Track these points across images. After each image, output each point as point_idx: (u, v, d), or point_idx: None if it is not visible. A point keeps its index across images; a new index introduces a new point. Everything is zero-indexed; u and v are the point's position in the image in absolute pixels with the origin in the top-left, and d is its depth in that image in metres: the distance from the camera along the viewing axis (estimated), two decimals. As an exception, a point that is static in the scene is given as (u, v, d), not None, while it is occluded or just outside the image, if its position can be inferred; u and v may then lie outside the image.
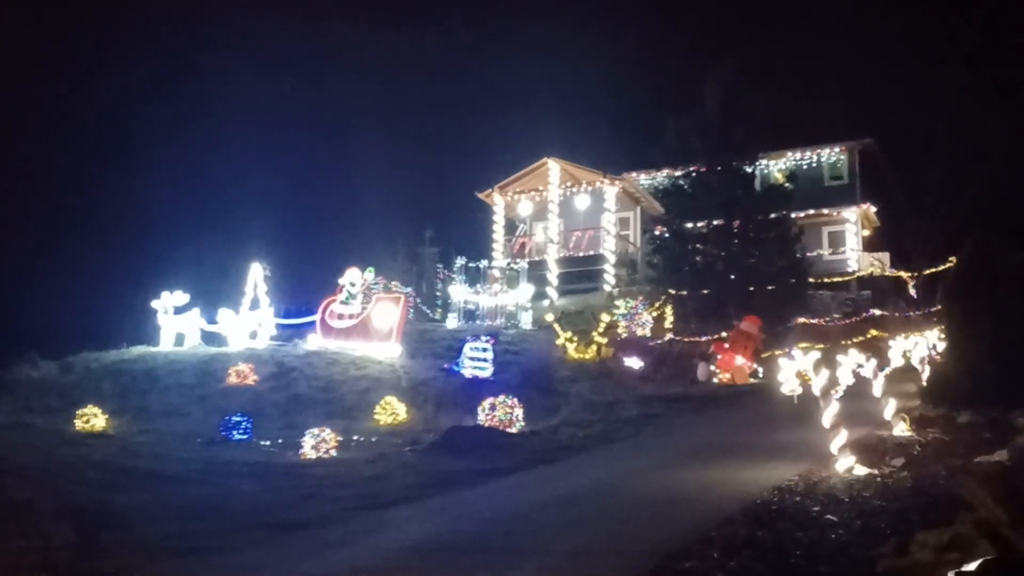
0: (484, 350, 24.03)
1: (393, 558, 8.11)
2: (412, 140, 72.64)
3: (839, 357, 15.99)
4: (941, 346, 20.78)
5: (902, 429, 13.98)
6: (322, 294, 29.00)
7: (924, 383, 18.47)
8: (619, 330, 29.24)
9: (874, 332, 30.17)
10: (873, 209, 39.64)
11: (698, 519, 8.77)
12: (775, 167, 39.07)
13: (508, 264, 35.12)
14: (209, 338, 28.56)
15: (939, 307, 24.23)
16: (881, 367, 16.62)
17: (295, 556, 8.48)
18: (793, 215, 32.55)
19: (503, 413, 18.63)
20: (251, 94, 66.76)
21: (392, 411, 20.56)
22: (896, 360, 23.94)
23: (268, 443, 18.66)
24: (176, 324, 28.19)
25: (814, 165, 39.40)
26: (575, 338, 26.92)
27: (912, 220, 35.37)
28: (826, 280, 35.52)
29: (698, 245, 31.60)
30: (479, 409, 19.07)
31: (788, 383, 18.51)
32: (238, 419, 19.23)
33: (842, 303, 34.08)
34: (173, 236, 51.06)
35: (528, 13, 74.94)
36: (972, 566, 5.74)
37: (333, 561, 8.15)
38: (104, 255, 45.63)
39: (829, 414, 11.16)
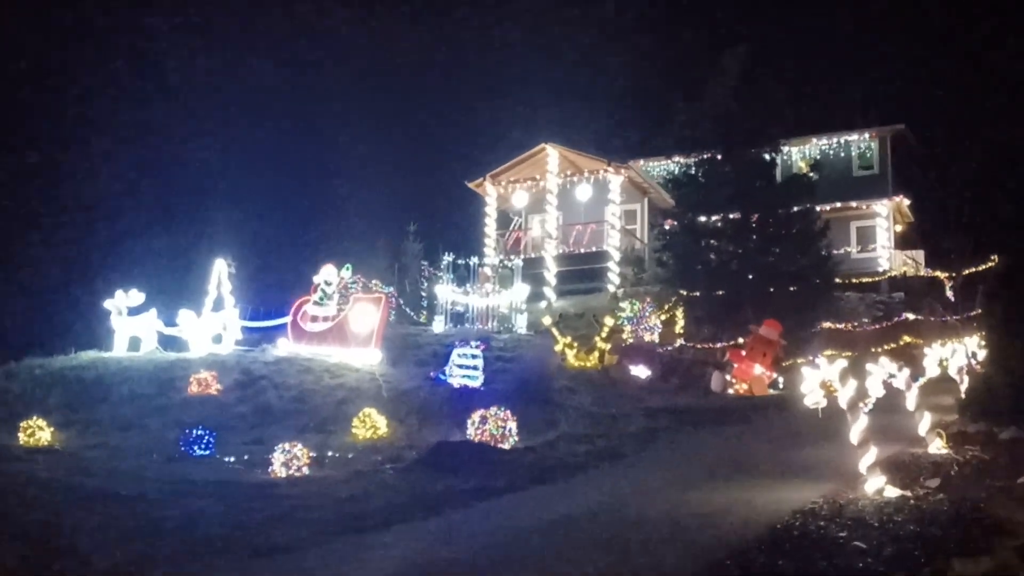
0: (474, 357, 24.02)
1: (373, 588, 8.13)
2: (395, 124, 72.48)
3: (868, 366, 15.99)
4: (982, 354, 20.86)
5: (938, 446, 14.03)
6: (294, 294, 28.95)
7: (963, 395, 18.54)
8: (624, 335, 29.28)
9: (907, 338, 30.27)
10: (906, 202, 39.74)
11: (712, 545, 8.80)
12: (798, 155, 39.17)
13: (501, 261, 35.17)
14: (168, 342, 28.48)
15: (979, 311, 24.34)
16: (915, 377, 16.66)
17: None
18: (818, 208, 32.62)
19: (495, 427, 18.62)
20: (217, 71, 66.63)
21: (371, 424, 20.52)
22: (932, 370, 24.00)
23: (233, 459, 18.61)
24: (131, 327, 28.11)
25: (841, 153, 39.51)
26: (575, 344, 26.94)
27: (950, 214, 35.49)
28: (854, 280, 35.63)
29: (712, 241, 31.67)
30: (468, 422, 19.04)
31: (812, 395, 18.46)
32: (200, 433, 19.16)
33: (872, 306, 34.18)
34: (128, 228, 50.73)
35: (527, -13, 74.82)
36: (1014, 598, 5.78)
37: (306, 591, 8.17)
38: (50, 250, 45.45)
39: (857, 429, 11.19)
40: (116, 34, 68.28)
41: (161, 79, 63.12)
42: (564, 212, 39.27)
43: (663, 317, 30.76)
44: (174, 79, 63.60)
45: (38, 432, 20.13)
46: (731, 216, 31.31)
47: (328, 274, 28.06)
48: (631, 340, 29.35)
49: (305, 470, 16.71)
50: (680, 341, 29.89)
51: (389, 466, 17.16)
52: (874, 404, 15.77)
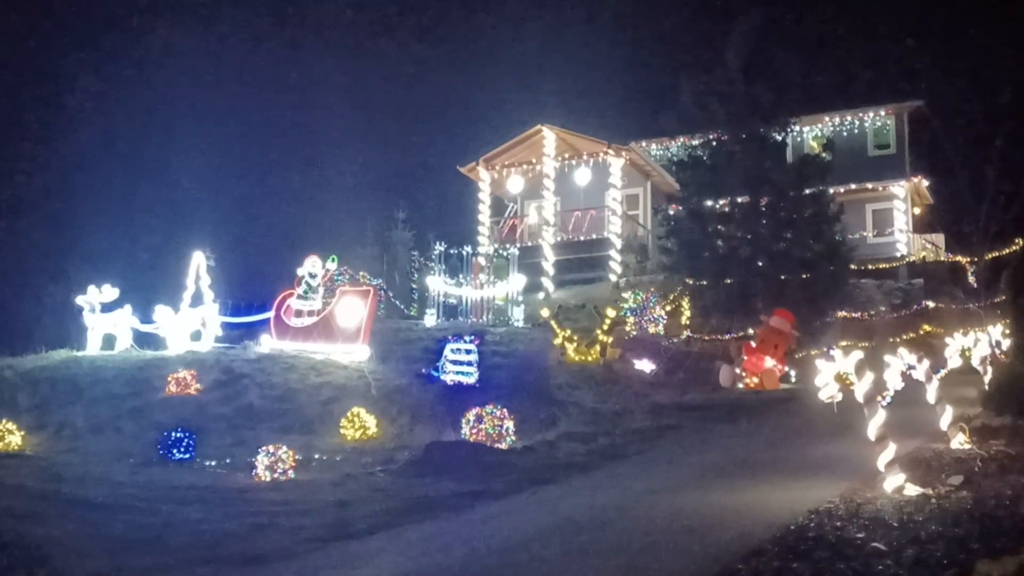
0: (468, 352, 24.03)
1: (363, 598, 8.13)
2: (382, 104, 72.34)
3: (886, 357, 16.01)
4: (1006, 343, 20.86)
5: (961, 441, 14.04)
6: (277, 287, 28.90)
7: (986, 387, 18.55)
8: (627, 327, 29.29)
9: (927, 327, 30.33)
10: (925, 183, 39.76)
11: (721, 549, 8.80)
12: (810, 134, 39.20)
13: (496, 251, 35.11)
14: (144, 340, 28.43)
15: (1004, 297, 24.33)
16: (936, 368, 16.68)
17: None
18: (831, 190, 32.61)
19: (491, 426, 18.65)
20: (193, 50, 66.31)
21: (360, 424, 20.55)
22: (953, 360, 24.03)
23: (214, 463, 18.64)
24: (105, 324, 28.05)
25: (856, 131, 39.52)
26: (575, 337, 26.95)
27: (972, 196, 35.51)
28: (870, 267, 35.68)
29: (720, 226, 31.65)
30: (463, 421, 19.09)
31: (826, 388, 18.51)
32: (179, 435, 19.18)
33: (889, 293, 34.23)
34: (101, 219, 50.68)
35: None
36: (1043, 600, 5.78)
37: (293, 602, 8.16)
38: (17, 242, 45.38)
39: (875, 424, 11.19)
40: (85, 20, 68.11)
41: (132, 63, 63.02)
42: (562, 197, 39.24)
43: (668, 308, 30.76)
44: (146, 62, 63.39)
45: (8, 436, 20.15)
46: (740, 200, 31.27)
47: (312, 266, 27.99)
48: (634, 332, 29.36)
49: (291, 473, 16.73)
50: (686, 333, 29.89)
51: (379, 468, 17.17)
52: (892, 397, 15.80)
